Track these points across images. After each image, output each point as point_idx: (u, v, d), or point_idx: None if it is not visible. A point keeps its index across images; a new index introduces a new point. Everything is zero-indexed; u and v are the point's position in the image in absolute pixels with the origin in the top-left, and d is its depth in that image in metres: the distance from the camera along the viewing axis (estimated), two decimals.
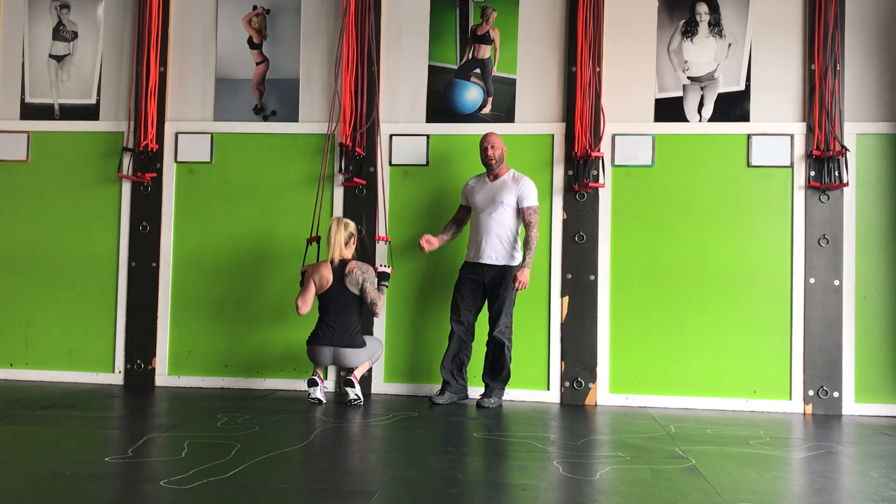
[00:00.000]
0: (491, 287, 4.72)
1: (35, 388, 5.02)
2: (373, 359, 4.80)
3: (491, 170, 4.77)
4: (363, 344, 4.69)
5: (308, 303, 4.72)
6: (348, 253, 4.73)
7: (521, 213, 4.68)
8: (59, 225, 5.39)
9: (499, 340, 4.66)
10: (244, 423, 3.97)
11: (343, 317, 4.67)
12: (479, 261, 4.71)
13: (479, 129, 5.07)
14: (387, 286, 4.77)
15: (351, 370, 4.76)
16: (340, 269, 4.68)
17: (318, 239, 5.00)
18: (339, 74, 5.11)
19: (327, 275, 4.68)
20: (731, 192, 4.96)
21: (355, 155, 5.08)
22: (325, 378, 4.75)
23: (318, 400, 4.61)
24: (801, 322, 4.85)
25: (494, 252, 4.67)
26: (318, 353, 4.68)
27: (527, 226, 4.66)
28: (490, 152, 4.72)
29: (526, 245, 4.64)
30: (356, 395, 4.58)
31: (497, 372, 4.72)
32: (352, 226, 4.77)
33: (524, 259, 4.62)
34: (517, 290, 4.63)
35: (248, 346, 5.19)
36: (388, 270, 4.78)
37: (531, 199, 4.68)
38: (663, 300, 4.96)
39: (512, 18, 5.18)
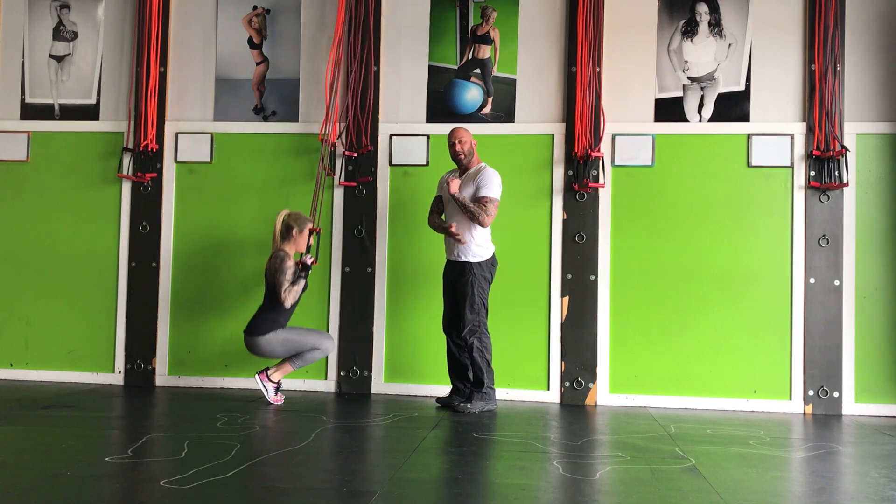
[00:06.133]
0: (452, 284, 4.57)
1: (35, 388, 5.02)
2: (296, 359, 4.65)
3: (461, 165, 4.63)
4: (262, 332, 4.58)
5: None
6: (286, 245, 4.67)
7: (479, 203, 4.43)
8: (59, 225, 5.39)
9: (468, 342, 4.48)
10: (244, 423, 3.97)
11: (264, 304, 4.70)
12: (448, 258, 4.62)
13: (480, 129, 5.06)
14: (304, 277, 4.66)
15: (269, 367, 4.69)
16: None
17: (318, 231, 5.00)
18: (338, 75, 5.11)
19: (266, 265, 4.75)
20: (731, 192, 4.96)
21: (353, 155, 5.08)
22: (270, 378, 4.69)
23: (267, 402, 4.60)
24: (801, 322, 4.85)
25: (455, 248, 4.52)
26: None
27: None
28: (458, 147, 4.55)
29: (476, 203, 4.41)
30: (267, 394, 4.60)
31: (473, 376, 4.54)
32: (296, 219, 4.68)
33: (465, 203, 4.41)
34: (451, 193, 4.43)
35: None
36: (309, 261, 4.69)
37: (488, 189, 4.42)
38: (663, 300, 4.96)
39: (512, 18, 5.18)
